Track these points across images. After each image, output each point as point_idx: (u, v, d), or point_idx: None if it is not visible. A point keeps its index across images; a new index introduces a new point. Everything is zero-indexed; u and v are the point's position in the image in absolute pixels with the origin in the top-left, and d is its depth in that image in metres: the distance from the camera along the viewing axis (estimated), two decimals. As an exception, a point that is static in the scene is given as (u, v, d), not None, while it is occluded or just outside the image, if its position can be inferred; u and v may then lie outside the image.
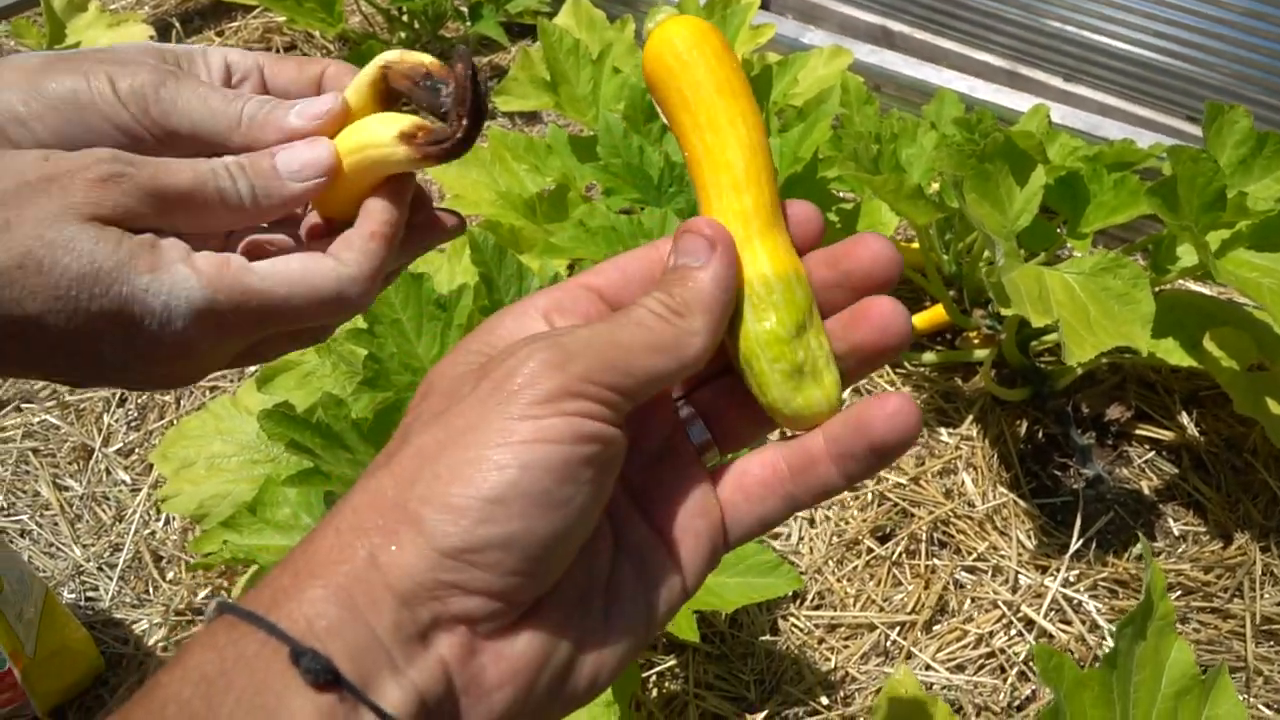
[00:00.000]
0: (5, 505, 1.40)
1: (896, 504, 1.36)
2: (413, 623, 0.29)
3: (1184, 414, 1.45)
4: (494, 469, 0.29)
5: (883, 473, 1.40)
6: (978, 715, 1.18)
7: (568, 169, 1.50)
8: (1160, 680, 0.84)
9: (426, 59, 0.42)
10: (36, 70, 0.40)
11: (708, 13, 1.74)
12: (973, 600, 1.28)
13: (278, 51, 2.20)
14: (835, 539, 1.33)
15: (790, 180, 1.37)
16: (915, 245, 1.57)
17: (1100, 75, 1.81)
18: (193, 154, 0.41)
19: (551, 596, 0.32)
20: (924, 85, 1.86)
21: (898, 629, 1.25)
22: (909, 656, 1.22)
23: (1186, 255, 1.33)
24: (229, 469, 1.19)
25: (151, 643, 1.25)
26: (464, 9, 2.18)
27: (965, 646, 1.24)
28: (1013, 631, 1.25)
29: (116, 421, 1.50)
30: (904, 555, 1.32)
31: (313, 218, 0.45)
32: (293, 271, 0.40)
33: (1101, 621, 1.25)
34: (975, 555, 1.31)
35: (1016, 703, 1.19)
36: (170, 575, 1.32)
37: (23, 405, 1.52)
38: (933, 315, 1.54)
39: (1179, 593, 1.28)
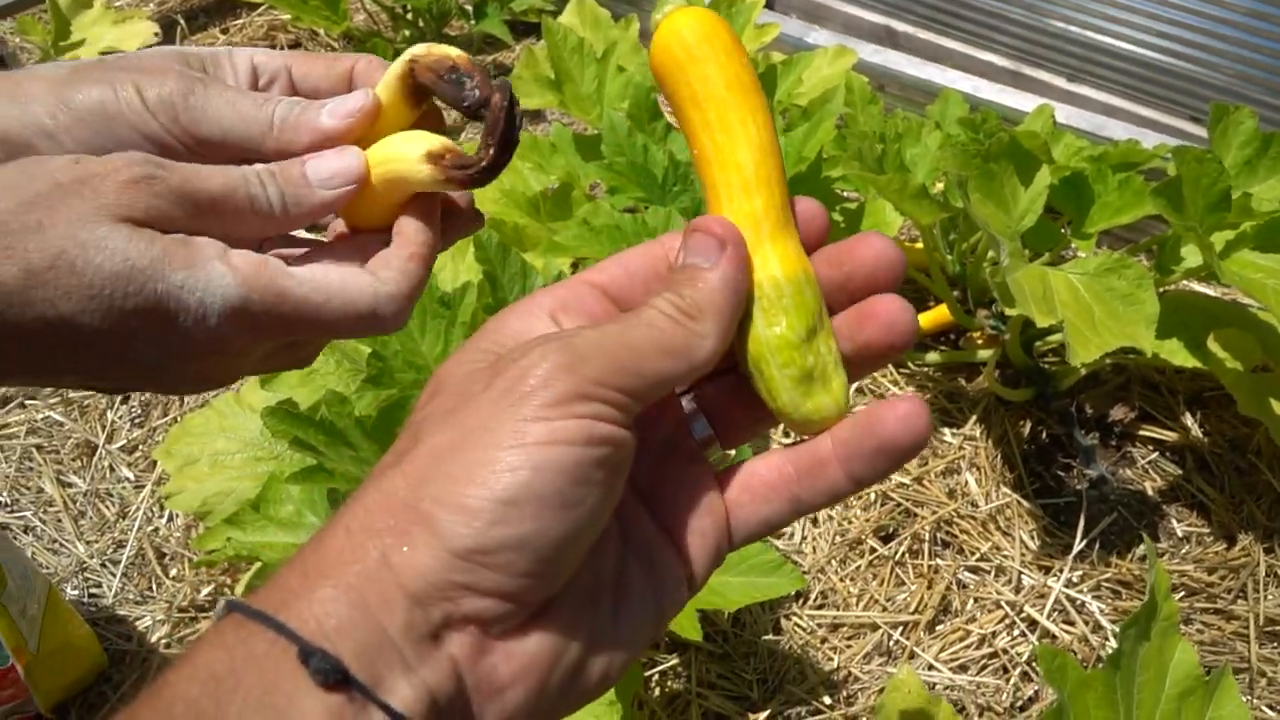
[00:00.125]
0: (9, 502, 1.41)
1: (900, 504, 1.36)
2: (425, 622, 0.29)
3: (1188, 415, 1.45)
4: (507, 470, 0.30)
5: (886, 472, 1.40)
6: (980, 715, 1.18)
7: (572, 167, 1.50)
8: (1164, 681, 0.84)
9: (454, 52, 0.41)
10: (63, 82, 0.40)
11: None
12: (976, 600, 1.28)
13: (282, 49, 2.19)
14: (838, 538, 1.33)
15: (795, 180, 1.37)
16: (919, 245, 1.57)
17: (1104, 76, 1.80)
18: (225, 161, 0.40)
19: (562, 595, 0.32)
20: (928, 85, 1.86)
21: (900, 629, 1.25)
22: (912, 656, 1.22)
23: (1191, 256, 1.33)
24: (232, 466, 1.19)
25: (155, 639, 1.25)
26: (469, 7, 2.18)
27: (968, 647, 1.23)
28: (1016, 632, 1.25)
29: (120, 418, 1.50)
30: (907, 555, 1.32)
31: (338, 225, 0.45)
32: (331, 282, 0.40)
33: (1105, 622, 1.25)
34: (978, 555, 1.31)
35: (1019, 703, 1.19)
36: (174, 572, 1.32)
37: (27, 401, 1.53)
38: (937, 315, 1.53)
39: (1182, 594, 1.28)
